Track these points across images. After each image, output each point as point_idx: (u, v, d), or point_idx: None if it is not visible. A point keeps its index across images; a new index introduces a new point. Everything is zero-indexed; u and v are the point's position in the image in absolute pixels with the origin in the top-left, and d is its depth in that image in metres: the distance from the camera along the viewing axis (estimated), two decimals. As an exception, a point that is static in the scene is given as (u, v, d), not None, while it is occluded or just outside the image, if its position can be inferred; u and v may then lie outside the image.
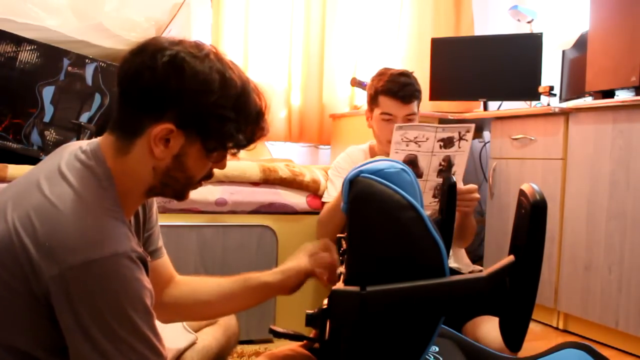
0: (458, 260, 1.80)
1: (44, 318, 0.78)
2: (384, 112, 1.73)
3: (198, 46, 0.87)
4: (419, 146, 1.48)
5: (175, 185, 0.91)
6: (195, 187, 0.96)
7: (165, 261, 1.13)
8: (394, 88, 1.71)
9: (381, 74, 1.79)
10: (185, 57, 0.84)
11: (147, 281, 0.82)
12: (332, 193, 1.81)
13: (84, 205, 0.81)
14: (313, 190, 1.99)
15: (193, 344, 1.20)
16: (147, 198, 0.97)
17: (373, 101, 1.78)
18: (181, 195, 0.95)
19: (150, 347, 0.81)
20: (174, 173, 0.89)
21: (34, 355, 0.80)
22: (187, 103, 0.84)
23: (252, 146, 0.95)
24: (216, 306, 1.12)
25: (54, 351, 0.80)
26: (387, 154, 1.70)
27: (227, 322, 1.31)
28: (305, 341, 0.96)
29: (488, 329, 1.37)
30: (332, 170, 1.89)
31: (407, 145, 1.49)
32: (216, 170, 1.00)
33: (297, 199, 1.97)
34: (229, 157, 0.98)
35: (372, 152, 1.85)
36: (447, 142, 1.49)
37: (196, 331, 1.23)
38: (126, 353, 0.78)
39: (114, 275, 0.78)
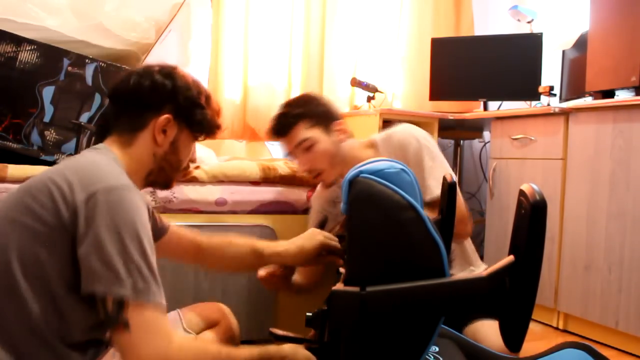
0: (465, 257, 1.74)
1: (67, 250, 0.90)
2: (285, 153, 1.67)
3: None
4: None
5: (168, 168, 1.13)
6: (178, 176, 1.19)
7: (177, 228, 1.30)
8: (271, 127, 1.65)
9: None
10: (169, 69, 1.13)
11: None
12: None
13: (104, 161, 1.01)
14: (313, 183, 1.97)
15: None
16: (145, 183, 1.13)
17: None
18: (170, 182, 1.17)
19: (154, 277, 0.91)
20: (170, 157, 1.12)
21: (56, 291, 0.91)
22: (179, 97, 1.10)
23: (215, 136, 1.22)
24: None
25: (72, 287, 0.90)
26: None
27: (229, 325, 1.32)
28: (305, 343, 0.96)
29: (488, 332, 1.37)
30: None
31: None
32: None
33: (298, 196, 1.97)
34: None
35: None
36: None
37: (197, 333, 1.24)
38: (133, 272, 0.88)
39: (129, 201, 0.93)
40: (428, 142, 1.63)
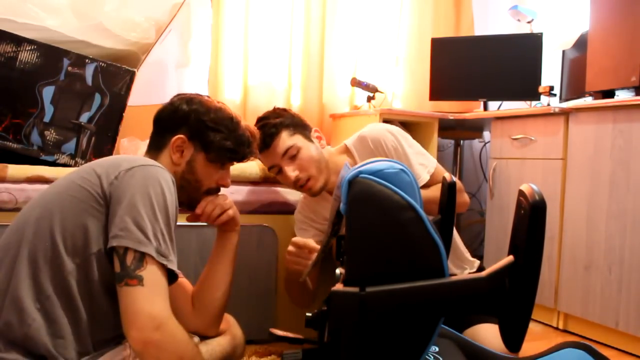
0: (458, 256, 1.75)
1: (106, 216, 1.01)
2: (269, 168, 1.64)
3: None
4: None
5: (188, 187, 1.22)
6: (204, 196, 1.27)
7: (185, 281, 1.32)
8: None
9: None
10: (192, 95, 1.27)
11: None
12: None
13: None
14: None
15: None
16: None
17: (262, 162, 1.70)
18: (194, 202, 1.26)
19: (173, 247, 1.02)
20: (187, 176, 1.22)
21: (91, 251, 1.00)
22: (192, 120, 1.22)
23: (244, 161, 1.33)
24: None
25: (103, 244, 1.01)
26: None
27: (234, 333, 1.34)
28: (304, 344, 0.96)
29: (487, 335, 1.37)
30: None
31: None
32: None
33: (298, 196, 1.97)
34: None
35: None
36: None
37: (202, 340, 1.25)
38: (158, 235, 0.98)
39: (164, 178, 1.04)
40: (401, 132, 1.67)
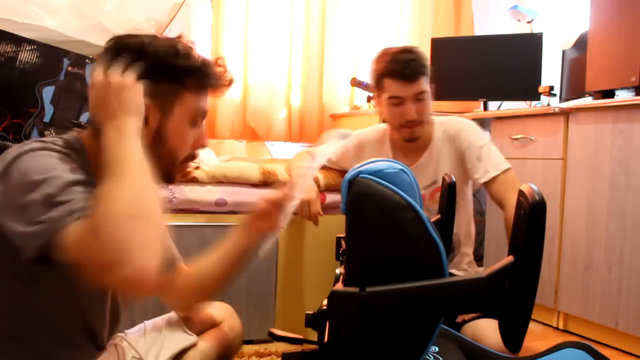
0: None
1: None
2: (392, 96, 1.65)
3: None
4: None
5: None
6: (181, 166, 1.05)
7: (184, 267, 1.25)
8: (397, 68, 1.62)
9: (382, 54, 1.68)
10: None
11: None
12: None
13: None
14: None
15: (194, 345, 1.21)
16: None
17: (378, 85, 1.69)
18: (168, 173, 1.02)
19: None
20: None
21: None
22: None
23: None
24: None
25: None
26: (401, 140, 1.73)
27: (232, 324, 1.33)
28: (304, 344, 0.96)
29: (487, 331, 1.37)
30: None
31: None
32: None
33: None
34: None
35: (389, 140, 1.82)
36: None
37: (199, 334, 1.24)
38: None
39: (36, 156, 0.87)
40: (481, 130, 1.79)
